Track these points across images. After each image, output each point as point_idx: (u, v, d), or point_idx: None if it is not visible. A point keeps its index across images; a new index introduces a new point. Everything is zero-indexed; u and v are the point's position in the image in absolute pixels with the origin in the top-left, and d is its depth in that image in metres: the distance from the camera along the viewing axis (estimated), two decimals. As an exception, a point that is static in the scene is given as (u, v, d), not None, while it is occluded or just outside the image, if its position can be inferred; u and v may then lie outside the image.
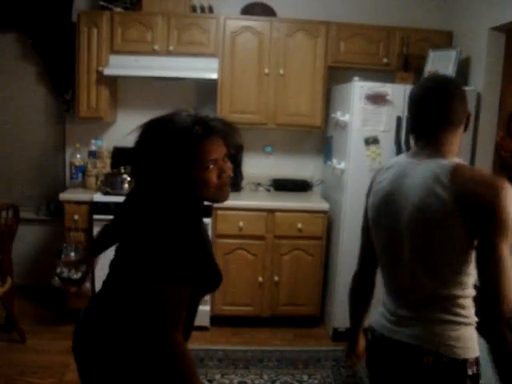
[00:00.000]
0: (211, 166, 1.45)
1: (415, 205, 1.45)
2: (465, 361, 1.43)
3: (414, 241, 1.48)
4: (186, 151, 1.41)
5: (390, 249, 1.58)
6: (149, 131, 1.49)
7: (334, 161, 3.86)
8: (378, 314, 1.66)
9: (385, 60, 3.96)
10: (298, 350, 3.57)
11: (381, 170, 1.68)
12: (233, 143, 1.54)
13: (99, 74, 3.82)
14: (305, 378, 3.22)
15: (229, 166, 1.52)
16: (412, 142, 1.61)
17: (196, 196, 1.50)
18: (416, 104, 1.55)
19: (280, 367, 3.34)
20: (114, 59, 3.84)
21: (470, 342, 1.46)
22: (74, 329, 1.60)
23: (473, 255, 1.42)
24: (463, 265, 1.43)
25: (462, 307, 1.46)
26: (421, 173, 1.47)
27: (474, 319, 1.49)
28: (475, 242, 1.40)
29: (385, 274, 1.64)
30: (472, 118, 1.61)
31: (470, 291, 1.48)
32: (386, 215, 1.56)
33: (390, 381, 1.58)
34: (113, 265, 1.60)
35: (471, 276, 1.46)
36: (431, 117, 1.51)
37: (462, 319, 1.46)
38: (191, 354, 1.36)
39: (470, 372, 1.43)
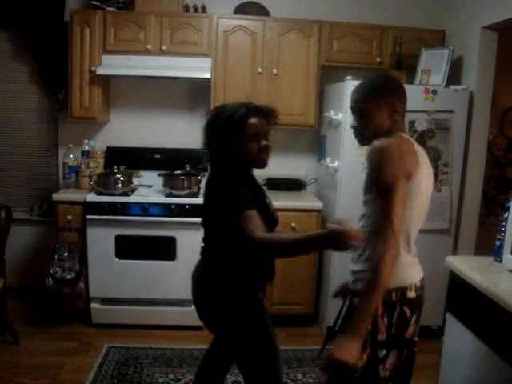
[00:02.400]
0: (252, 138, 1.98)
1: None
2: None
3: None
4: (234, 126, 1.96)
5: None
6: (210, 116, 2.09)
7: (328, 160, 3.87)
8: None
9: (378, 59, 3.97)
10: (292, 348, 3.57)
11: None
12: (272, 123, 2.06)
13: (92, 73, 3.81)
14: (299, 376, 3.23)
15: (266, 142, 2.02)
16: None
17: (244, 161, 2.01)
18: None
19: (274, 366, 3.34)
20: (107, 59, 3.82)
21: None
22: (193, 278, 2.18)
23: None
24: None
25: None
26: None
27: None
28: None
29: None
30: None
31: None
32: None
33: None
34: (204, 220, 2.13)
35: None
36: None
37: None
38: (275, 235, 1.93)
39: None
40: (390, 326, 1.82)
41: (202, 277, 2.14)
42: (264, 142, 2.01)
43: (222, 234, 2.00)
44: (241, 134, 1.97)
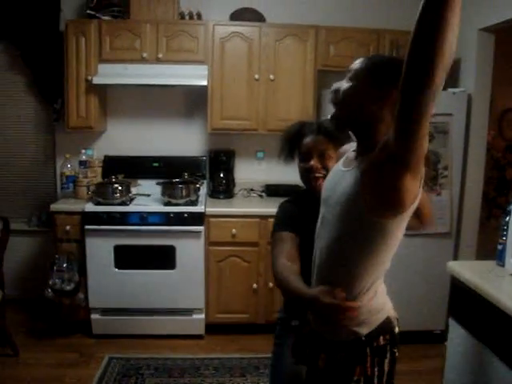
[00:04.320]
0: (302, 158, 1.97)
1: None
2: None
3: None
4: (287, 146, 2.07)
5: None
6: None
7: (327, 165, 3.85)
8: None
9: (375, 63, 3.95)
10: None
11: None
12: (338, 143, 1.89)
13: (88, 83, 3.79)
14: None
15: (319, 165, 1.91)
16: None
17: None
18: None
19: (277, 374, 3.30)
20: (103, 68, 3.81)
21: None
22: None
23: None
24: None
25: None
26: None
27: None
28: None
29: None
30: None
31: None
32: None
33: None
34: None
35: None
36: None
37: None
38: (285, 270, 1.70)
39: None
40: (381, 374, 1.50)
41: None
42: (310, 163, 1.91)
43: None
44: (295, 153, 2.03)
